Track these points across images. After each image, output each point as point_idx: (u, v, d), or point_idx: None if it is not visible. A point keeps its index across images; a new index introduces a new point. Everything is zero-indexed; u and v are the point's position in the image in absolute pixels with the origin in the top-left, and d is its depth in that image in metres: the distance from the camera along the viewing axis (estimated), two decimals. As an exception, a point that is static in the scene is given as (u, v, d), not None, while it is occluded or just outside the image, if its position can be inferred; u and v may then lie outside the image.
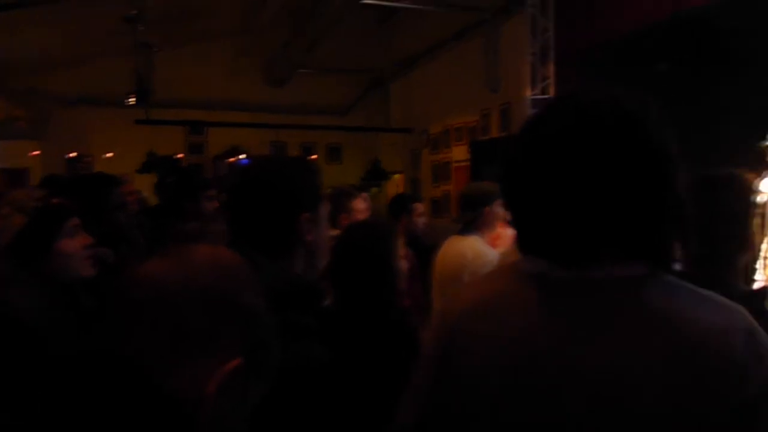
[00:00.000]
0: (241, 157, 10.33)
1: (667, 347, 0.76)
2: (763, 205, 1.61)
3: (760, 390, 0.75)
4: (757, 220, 1.55)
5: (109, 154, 9.52)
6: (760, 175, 1.81)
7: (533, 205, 0.88)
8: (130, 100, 7.88)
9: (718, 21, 5.84)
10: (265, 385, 0.81)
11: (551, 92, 6.61)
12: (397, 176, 10.77)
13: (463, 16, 8.00)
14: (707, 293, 0.83)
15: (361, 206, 3.48)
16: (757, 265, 3.49)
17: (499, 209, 3.33)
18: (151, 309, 0.70)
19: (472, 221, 3.47)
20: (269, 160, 1.55)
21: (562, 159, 0.85)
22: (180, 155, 10.43)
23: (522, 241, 0.91)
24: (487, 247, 3.38)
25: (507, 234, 3.31)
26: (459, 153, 8.65)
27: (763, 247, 2.87)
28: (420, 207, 4.51)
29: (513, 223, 0.93)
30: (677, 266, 2.34)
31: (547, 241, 0.87)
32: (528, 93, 6.67)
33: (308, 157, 11.41)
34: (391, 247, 1.93)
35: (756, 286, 1.61)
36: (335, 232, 3.09)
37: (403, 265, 2.02)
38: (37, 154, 9.78)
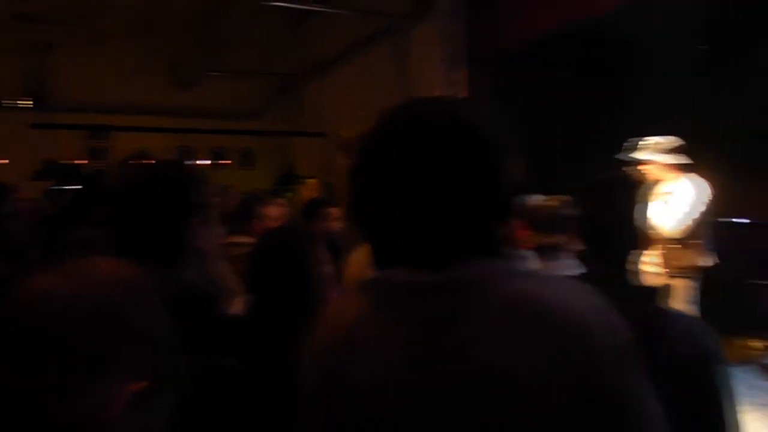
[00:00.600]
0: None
1: (536, 334, 0.78)
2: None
3: (612, 368, 0.79)
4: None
5: (4, 161, 8.90)
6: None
7: (381, 216, 0.89)
8: (22, 102, 7.39)
9: (612, 31, 6.17)
10: (173, 403, 0.76)
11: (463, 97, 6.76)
12: (311, 181, 10.70)
13: (374, 21, 8.06)
14: (559, 277, 0.88)
15: (274, 212, 3.42)
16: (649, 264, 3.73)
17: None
18: (40, 330, 0.64)
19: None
20: (153, 166, 1.50)
21: (400, 164, 0.87)
22: (81, 161, 9.91)
23: (377, 255, 0.92)
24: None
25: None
26: (373, 157, 8.67)
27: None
28: (335, 212, 4.48)
29: (367, 239, 0.93)
30: (578, 266, 2.44)
31: (402, 251, 0.88)
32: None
33: (220, 161, 11.14)
34: (310, 253, 1.88)
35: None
36: (246, 239, 3.02)
37: (327, 271, 1.96)
38: None
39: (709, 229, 3.88)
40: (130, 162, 10.21)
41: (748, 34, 6.01)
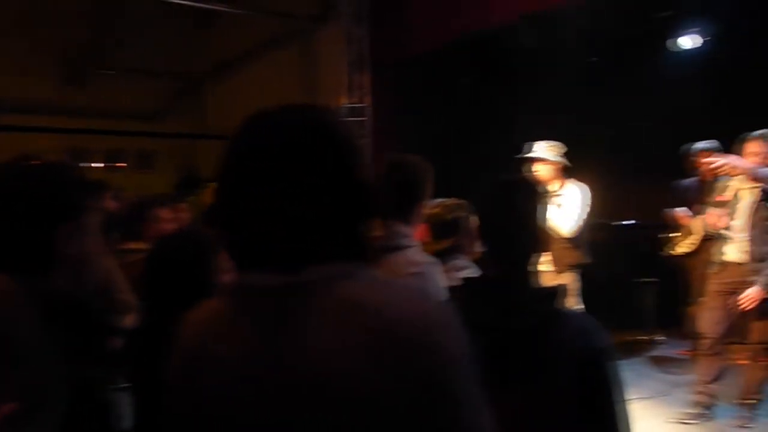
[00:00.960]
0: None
1: (361, 338, 0.81)
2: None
3: (438, 377, 0.82)
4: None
5: None
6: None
7: (236, 217, 0.91)
8: None
9: (511, 42, 6.42)
10: (54, 421, 0.72)
11: (367, 101, 6.81)
12: (214, 185, 10.36)
13: (280, 23, 7.97)
14: (397, 283, 0.92)
15: (168, 215, 3.28)
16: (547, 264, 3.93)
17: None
18: None
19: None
20: (21, 167, 1.39)
21: (256, 168, 0.89)
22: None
23: (235, 258, 0.93)
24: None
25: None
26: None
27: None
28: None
29: (226, 242, 0.95)
30: (474, 269, 2.51)
31: (255, 253, 0.90)
32: (344, 101, 6.82)
33: (116, 164, 10.62)
34: (210, 259, 1.78)
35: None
36: (141, 245, 2.89)
37: (228, 279, 1.88)
38: None
39: (587, 229, 4.11)
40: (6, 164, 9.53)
41: (634, 46, 6.43)
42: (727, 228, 3.92)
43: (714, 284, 4.04)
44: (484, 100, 7.08)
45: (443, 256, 2.54)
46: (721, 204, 4.02)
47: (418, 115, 6.60)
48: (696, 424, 4.01)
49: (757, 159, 3.69)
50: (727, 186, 4.01)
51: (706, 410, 4.04)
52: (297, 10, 7.57)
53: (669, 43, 5.88)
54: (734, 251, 3.89)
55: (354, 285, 0.87)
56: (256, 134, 0.93)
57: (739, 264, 3.82)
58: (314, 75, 7.64)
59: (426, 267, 1.87)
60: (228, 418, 0.88)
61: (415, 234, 2.07)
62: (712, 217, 4.18)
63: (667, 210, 5.04)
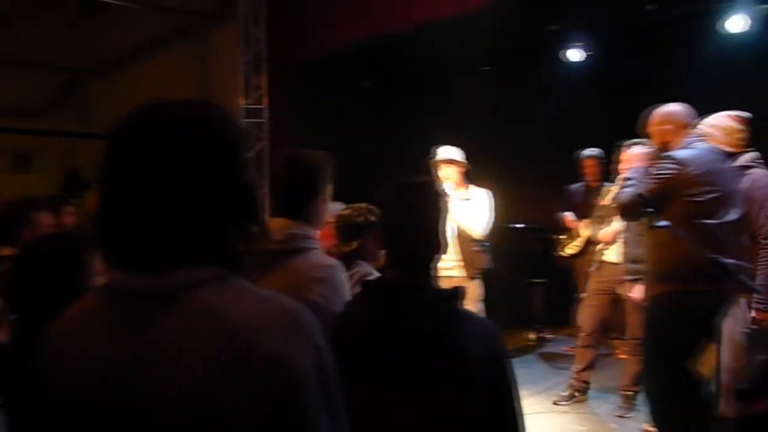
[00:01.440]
0: None
1: (213, 348, 0.80)
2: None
3: (286, 394, 0.82)
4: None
5: None
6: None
7: (110, 217, 0.89)
8: None
9: (410, 47, 6.53)
10: None
11: (264, 102, 6.68)
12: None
13: (174, 19, 7.66)
14: (263, 292, 0.90)
15: (48, 220, 3.05)
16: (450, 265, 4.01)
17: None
18: None
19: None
20: None
21: (131, 167, 0.87)
22: None
23: (109, 258, 0.91)
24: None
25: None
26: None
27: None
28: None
29: (101, 239, 0.92)
30: (375, 272, 2.51)
31: (126, 254, 0.88)
32: (241, 102, 6.66)
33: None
34: (81, 262, 1.64)
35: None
36: (13, 251, 2.65)
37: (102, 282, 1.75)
38: None
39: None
40: None
41: (525, 57, 6.72)
42: (614, 241, 4.19)
43: (593, 282, 4.35)
44: (383, 105, 7.16)
45: (348, 259, 2.52)
46: (604, 208, 4.27)
47: (317, 118, 6.56)
48: (567, 404, 4.36)
49: (630, 166, 3.97)
50: (609, 191, 4.28)
51: (578, 393, 4.39)
52: (192, 6, 7.31)
53: (558, 55, 6.19)
54: (612, 252, 4.18)
55: (213, 292, 0.85)
56: (134, 130, 0.89)
57: (615, 264, 4.12)
58: (210, 75, 7.41)
59: (329, 271, 1.79)
60: (84, 419, 0.85)
61: (320, 235, 2.01)
62: (567, 220, 4.52)
63: (557, 214, 5.29)
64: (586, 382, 4.44)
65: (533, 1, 4.96)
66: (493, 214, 4.13)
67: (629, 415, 4.11)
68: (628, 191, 3.00)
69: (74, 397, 0.86)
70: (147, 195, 0.84)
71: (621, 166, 3.97)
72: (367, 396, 1.43)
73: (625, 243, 3.99)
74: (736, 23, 5.08)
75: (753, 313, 3.03)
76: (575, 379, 4.44)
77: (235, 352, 0.79)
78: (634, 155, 3.90)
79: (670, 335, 2.97)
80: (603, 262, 4.29)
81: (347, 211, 2.66)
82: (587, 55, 6.10)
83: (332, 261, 1.87)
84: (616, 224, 4.15)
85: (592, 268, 4.41)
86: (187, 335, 0.81)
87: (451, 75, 7.02)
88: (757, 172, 3.18)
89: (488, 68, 7.08)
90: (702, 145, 2.99)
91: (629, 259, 3.92)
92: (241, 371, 0.79)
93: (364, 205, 2.64)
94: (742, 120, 3.25)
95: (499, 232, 6.04)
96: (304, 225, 1.82)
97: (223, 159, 0.88)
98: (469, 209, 4.07)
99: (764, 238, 3.09)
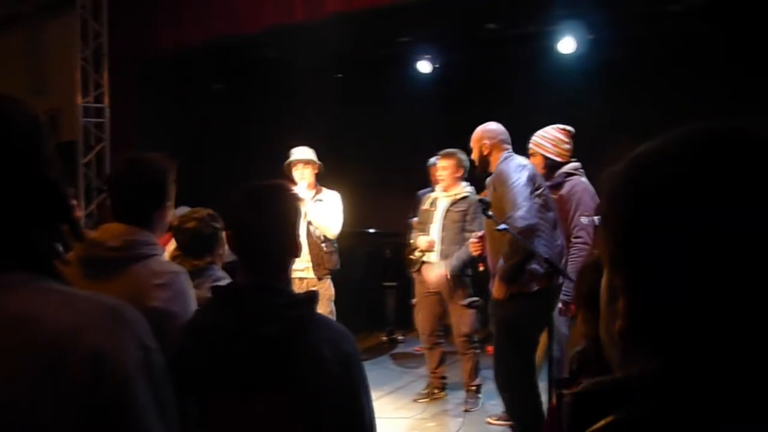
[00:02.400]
0: None
1: (20, 349, 0.77)
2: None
3: (111, 393, 0.79)
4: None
5: None
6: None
7: None
8: None
9: (262, 51, 6.45)
10: None
11: (106, 101, 6.27)
12: None
13: (1, 6, 6.96)
14: (79, 293, 0.87)
15: None
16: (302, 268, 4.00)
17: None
18: None
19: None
20: None
21: None
22: None
23: None
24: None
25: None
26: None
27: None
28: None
29: None
30: (225, 277, 2.44)
31: None
32: (80, 100, 6.20)
33: None
34: None
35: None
36: None
37: None
38: None
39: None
40: None
41: (377, 66, 6.90)
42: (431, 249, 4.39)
43: (419, 285, 4.54)
44: (234, 107, 6.99)
45: (202, 269, 2.42)
46: (426, 213, 4.48)
47: (163, 119, 6.28)
48: (426, 401, 4.51)
49: (445, 173, 4.28)
50: (429, 198, 4.52)
51: (437, 390, 4.56)
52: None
53: (409, 65, 6.42)
54: (431, 253, 4.37)
55: (20, 297, 0.79)
56: None
57: (434, 264, 4.31)
58: (43, 69, 6.82)
59: (171, 277, 1.71)
60: None
61: (161, 240, 1.91)
62: (415, 224, 4.77)
63: (408, 219, 5.46)
64: (443, 378, 4.59)
65: (385, 13, 5.10)
66: (342, 216, 4.19)
67: (475, 409, 4.33)
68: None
69: None
70: None
71: (438, 175, 4.38)
72: (218, 404, 1.40)
73: (442, 241, 4.23)
74: (567, 45, 5.57)
75: (560, 304, 3.37)
76: (432, 376, 4.60)
77: (51, 357, 0.75)
78: (444, 165, 4.27)
79: (518, 332, 3.29)
80: (424, 262, 4.43)
81: (191, 223, 2.52)
82: (435, 67, 6.39)
83: (176, 267, 1.80)
84: (436, 227, 4.34)
85: (414, 271, 4.56)
86: None
87: (304, 80, 7.03)
88: (576, 180, 3.60)
89: (340, 75, 7.18)
90: (521, 159, 3.36)
91: (444, 255, 4.19)
92: (60, 375, 0.75)
93: (205, 211, 2.54)
94: (568, 133, 3.63)
95: (353, 236, 6.15)
96: (146, 231, 1.74)
97: (19, 155, 0.82)
98: (322, 210, 4.10)
99: (575, 237, 3.49)
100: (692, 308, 0.52)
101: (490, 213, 3.20)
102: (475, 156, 3.48)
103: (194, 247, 2.47)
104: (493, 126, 3.44)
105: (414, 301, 4.70)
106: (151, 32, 6.00)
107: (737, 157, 0.52)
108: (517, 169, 3.22)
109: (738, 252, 0.50)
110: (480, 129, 3.46)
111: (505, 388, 3.41)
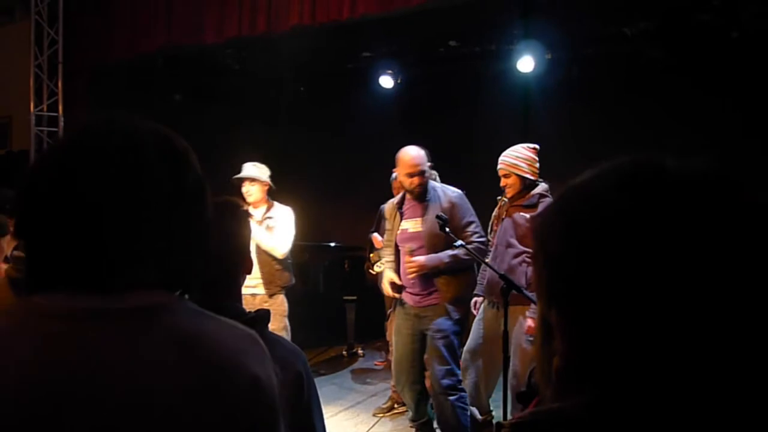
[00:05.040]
0: None
1: (191, 370, 0.78)
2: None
3: (265, 417, 0.83)
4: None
5: None
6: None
7: (54, 231, 0.81)
8: None
9: (223, 63, 6.41)
10: None
11: (60, 110, 6.12)
12: None
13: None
14: (224, 319, 0.88)
15: None
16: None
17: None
18: None
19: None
20: None
21: (90, 181, 0.80)
22: None
23: (38, 275, 0.83)
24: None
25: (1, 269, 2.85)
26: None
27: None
28: None
29: (29, 256, 0.84)
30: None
31: (68, 271, 0.80)
32: (33, 108, 6.03)
33: None
34: None
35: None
36: None
37: None
38: None
39: (292, 251, 4.23)
40: None
41: (342, 79, 6.92)
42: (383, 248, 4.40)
43: (390, 297, 4.53)
44: (193, 118, 6.90)
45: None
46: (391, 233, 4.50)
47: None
48: (386, 415, 4.46)
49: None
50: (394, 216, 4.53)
51: (397, 405, 4.51)
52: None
53: (371, 80, 6.46)
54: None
55: (184, 317, 0.82)
56: (101, 142, 0.84)
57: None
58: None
59: None
60: None
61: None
62: (375, 240, 4.75)
63: (370, 233, 5.46)
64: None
65: (347, 28, 5.13)
66: (293, 232, 4.13)
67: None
68: None
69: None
70: (105, 214, 0.79)
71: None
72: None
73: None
74: (526, 64, 5.69)
75: (530, 322, 3.41)
76: (394, 390, 4.53)
77: (217, 377, 0.77)
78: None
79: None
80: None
81: None
82: (397, 83, 6.45)
83: None
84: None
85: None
86: (160, 360, 0.76)
87: (266, 92, 7.01)
88: (548, 201, 3.61)
89: (302, 88, 7.18)
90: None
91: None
92: (225, 395, 0.78)
93: None
94: (536, 151, 3.68)
95: (314, 250, 6.12)
96: None
97: (193, 185, 0.88)
98: (267, 231, 4.02)
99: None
100: (624, 341, 0.53)
101: (447, 229, 3.25)
102: (419, 182, 3.49)
103: None
104: (417, 151, 3.52)
105: (389, 311, 4.66)
106: (108, 40, 5.89)
107: (657, 194, 0.55)
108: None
109: (664, 287, 0.52)
110: (419, 152, 3.51)
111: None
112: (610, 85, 5.69)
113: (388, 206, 3.87)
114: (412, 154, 3.48)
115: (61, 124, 6.13)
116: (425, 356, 3.58)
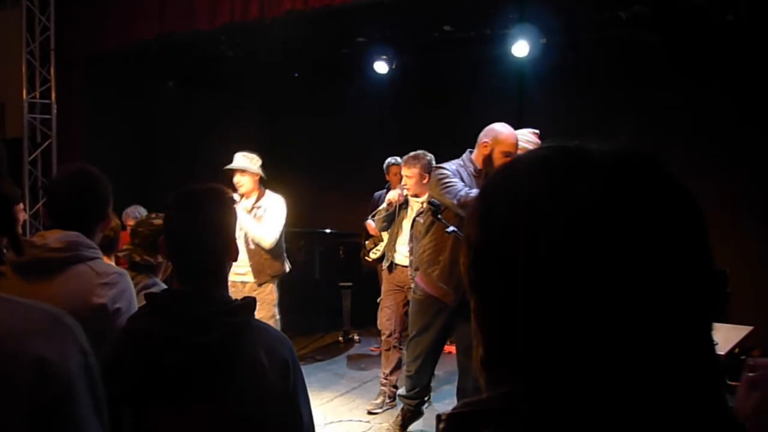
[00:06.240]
0: None
1: None
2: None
3: (55, 396, 0.80)
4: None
5: None
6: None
7: None
8: None
9: (216, 49, 6.36)
10: None
11: (53, 97, 6.08)
12: None
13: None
14: (21, 300, 0.85)
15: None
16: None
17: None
18: None
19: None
20: None
21: None
22: None
23: None
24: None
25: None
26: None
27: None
28: None
29: None
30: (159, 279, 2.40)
31: None
32: (25, 95, 5.99)
33: None
34: None
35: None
36: None
37: None
38: None
39: (283, 239, 4.21)
40: None
41: (336, 65, 6.88)
42: (380, 234, 4.40)
43: (386, 284, 4.54)
44: (184, 104, 6.86)
45: (141, 269, 2.40)
46: (380, 212, 4.50)
47: (111, 116, 6.13)
48: (381, 412, 4.39)
49: (411, 182, 4.22)
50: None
51: (389, 400, 4.44)
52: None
53: (366, 66, 6.42)
54: (401, 255, 4.40)
55: None
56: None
57: (404, 267, 4.33)
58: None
59: (116, 277, 1.73)
60: None
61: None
62: (369, 226, 4.72)
63: (365, 220, 5.46)
64: (395, 387, 4.46)
65: (341, 13, 5.08)
66: (283, 222, 4.08)
67: (426, 407, 4.33)
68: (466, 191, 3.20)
69: None
70: None
71: (404, 183, 4.33)
72: (152, 415, 1.35)
73: (411, 250, 4.17)
74: (521, 48, 5.66)
75: None
76: (384, 384, 4.49)
77: (11, 372, 0.76)
78: (408, 174, 4.22)
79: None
80: (394, 264, 4.45)
81: (149, 219, 2.54)
82: (391, 68, 6.41)
83: (119, 269, 1.83)
84: (404, 239, 4.37)
85: (383, 268, 4.59)
86: None
87: (260, 78, 6.97)
88: None
89: (296, 74, 7.14)
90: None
91: (415, 265, 4.16)
92: (5, 380, 0.75)
93: (158, 217, 2.52)
94: (538, 136, 3.64)
95: (310, 236, 6.12)
96: (83, 235, 1.76)
97: None
98: (256, 221, 3.99)
99: None
100: (536, 331, 0.51)
101: (440, 216, 3.23)
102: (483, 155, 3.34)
103: (150, 244, 2.45)
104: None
105: (380, 299, 4.67)
106: (101, 27, 5.83)
107: (575, 177, 0.52)
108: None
109: (580, 276, 0.50)
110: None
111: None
112: (605, 69, 5.67)
113: None
114: (513, 132, 3.32)
115: (54, 111, 6.09)
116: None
